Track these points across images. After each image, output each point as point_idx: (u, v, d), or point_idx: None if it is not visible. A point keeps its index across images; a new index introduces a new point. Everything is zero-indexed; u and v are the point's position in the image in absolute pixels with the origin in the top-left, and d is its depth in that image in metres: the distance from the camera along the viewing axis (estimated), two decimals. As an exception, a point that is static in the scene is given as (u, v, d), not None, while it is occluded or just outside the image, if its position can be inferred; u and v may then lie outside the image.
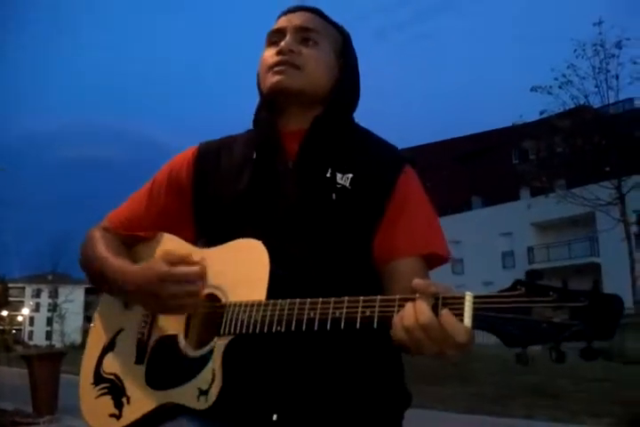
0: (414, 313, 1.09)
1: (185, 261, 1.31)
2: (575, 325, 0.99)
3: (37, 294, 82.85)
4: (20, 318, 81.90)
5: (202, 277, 1.30)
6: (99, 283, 1.45)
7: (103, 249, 1.46)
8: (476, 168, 38.81)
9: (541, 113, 21.25)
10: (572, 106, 21.13)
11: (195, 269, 1.30)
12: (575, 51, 20.62)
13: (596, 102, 21.29)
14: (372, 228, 1.38)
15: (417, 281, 1.12)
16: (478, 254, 35.20)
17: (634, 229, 20.57)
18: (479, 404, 9.15)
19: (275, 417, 1.27)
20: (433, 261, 1.40)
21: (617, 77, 20.70)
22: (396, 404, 1.38)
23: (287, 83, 1.41)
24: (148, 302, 1.33)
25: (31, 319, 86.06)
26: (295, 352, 1.29)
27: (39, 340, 74.32)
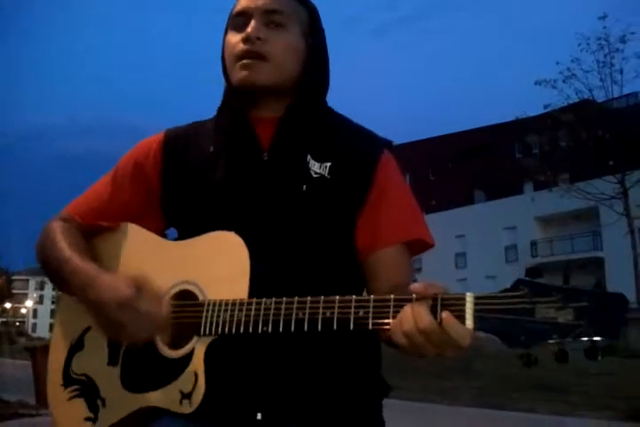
0: (413, 317, 1.06)
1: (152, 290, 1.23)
2: (580, 325, 0.97)
3: (41, 286, 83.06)
4: (23, 311, 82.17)
5: (165, 314, 1.23)
6: (57, 282, 1.38)
7: (65, 246, 1.35)
8: (479, 162, 38.73)
9: (545, 107, 21.16)
10: (577, 100, 21.02)
11: (159, 300, 1.23)
12: (579, 45, 20.50)
13: (600, 96, 21.19)
14: (353, 217, 1.34)
15: (414, 287, 1.08)
16: (481, 248, 35.18)
17: (637, 223, 20.47)
18: (483, 398, 9.19)
19: (259, 416, 1.23)
20: (416, 247, 1.38)
21: (621, 72, 20.56)
22: (375, 395, 1.37)
23: (255, 78, 1.35)
24: (101, 322, 1.26)
25: (35, 312, 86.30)
26: (276, 349, 1.25)
27: (43, 332, 74.39)
